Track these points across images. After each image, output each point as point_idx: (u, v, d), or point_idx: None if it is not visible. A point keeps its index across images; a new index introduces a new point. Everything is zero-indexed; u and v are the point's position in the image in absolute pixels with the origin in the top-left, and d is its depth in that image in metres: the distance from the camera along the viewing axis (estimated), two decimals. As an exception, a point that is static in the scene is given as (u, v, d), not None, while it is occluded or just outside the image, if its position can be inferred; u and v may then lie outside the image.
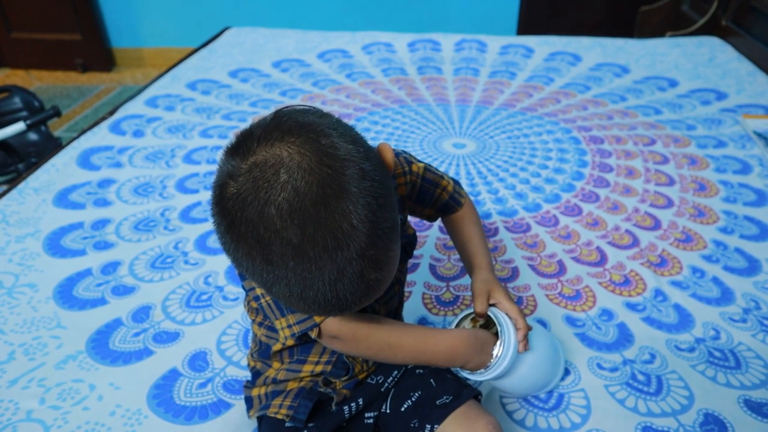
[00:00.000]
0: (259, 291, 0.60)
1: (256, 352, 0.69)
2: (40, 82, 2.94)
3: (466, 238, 0.74)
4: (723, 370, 0.80)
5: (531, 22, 2.75)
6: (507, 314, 0.68)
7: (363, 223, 0.44)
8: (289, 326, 0.59)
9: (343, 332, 0.59)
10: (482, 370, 0.66)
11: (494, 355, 0.65)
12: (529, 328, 0.68)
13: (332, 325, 0.58)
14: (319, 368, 0.65)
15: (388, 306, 0.67)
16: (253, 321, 0.69)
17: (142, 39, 3.04)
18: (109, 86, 2.88)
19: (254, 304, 0.64)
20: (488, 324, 0.70)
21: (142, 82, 2.89)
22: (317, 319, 0.58)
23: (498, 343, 0.66)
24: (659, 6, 2.53)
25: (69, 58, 2.99)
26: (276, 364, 0.67)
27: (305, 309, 0.49)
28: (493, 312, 0.68)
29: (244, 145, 0.47)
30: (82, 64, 3.00)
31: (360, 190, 0.45)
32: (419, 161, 0.70)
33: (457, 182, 0.75)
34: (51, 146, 1.65)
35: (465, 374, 0.68)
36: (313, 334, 0.59)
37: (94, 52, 2.99)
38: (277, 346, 0.65)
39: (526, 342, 0.68)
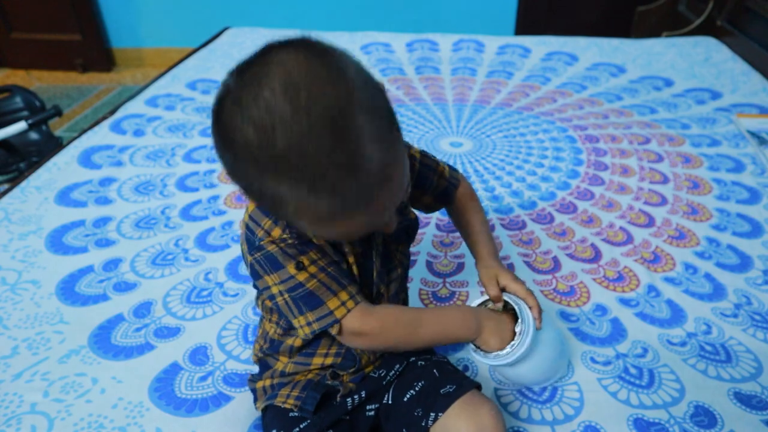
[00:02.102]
0: (275, 289, 0.59)
1: (266, 347, 0.70)
2: (40, 82, 2.96)
3: (469, 229, 0.76)
4: (714, 364, 0.81)
5: (529, 22, 2.76)
6: (516, 295, 0.70)
7: (360, 91, 0.45)
8: (309, 323, 0.59)
9: (368, 326, 0.60)
10: (507, 350, 0.67)
11: (517, 332, 0.67)
12: (539, 307, 0.70)
13: (354, 320, 0.59)
14: (329, 360, 0.67)
15: (390, 289, 0.68)
16: (266, 318, 0.69)
17: (142, 39, 3.05)
18: (108, 86, 2.90)
19: (269, 303, 0.65)
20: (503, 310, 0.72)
21: (141, 82, 2.90)
22: (338, 314, 0.58)
23: (518, 322, 0.68)
24: (656, 6, 2.55)
25: (69, 59, 3.00)
26: (284, 358, 0.68)
27: (320, 202, 0.46)
28: (505, 296, 0.71)
29: (237, 68, 0.49)
30: (82, 65, 3.01)
31: (353, 66, 0.47)
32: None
33: (451, 167, 0.76)
34: (52, 145, 1.67)
35: (490, 360, 0.68)
36: (334, 331, 0.59)
37: (94, 52, 3.00)
38: (293, 341, 0.66)
39: (540, 318, 0.70)
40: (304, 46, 0.47)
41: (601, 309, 0.91)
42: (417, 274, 0.99)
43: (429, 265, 1.01)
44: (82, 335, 0.86)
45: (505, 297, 0.71)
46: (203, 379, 0.79)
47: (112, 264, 1.01)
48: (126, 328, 0.88)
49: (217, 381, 0.79)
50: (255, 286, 0.65)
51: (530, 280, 0.97)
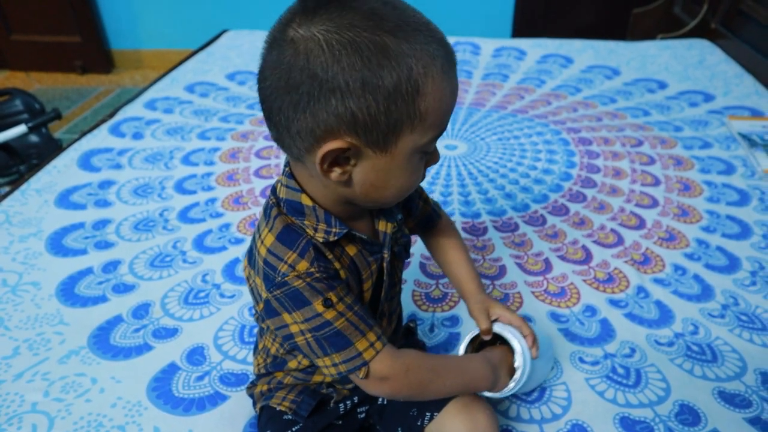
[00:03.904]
0: (295, 328, 0.56)
1: (269, 363, 0.69)
2: (40, 83, 2.98)
3: (454, 265, 0.77)
4: (700, 364, 0.83)
5: (526, 24, 2.78)
6: (511, 325, 0.71)
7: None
8: (335, 365, 0.56)
9: (395, 369, 0.58)
10: (511, 385, 0.68)
11: (516, 366, 0.69)
12: (534, 335, 0.71)
13: (383, 364, 0.57)
14: (328, 379, 0.67)
15: (391, 305, 0.69)
16: (267, 334, 0.68)
17: (141, 41, 3.07)
18: (108, 88, 2.92)
19: (275, 335, 0.62)
20: (493, 341, 0.73)
21: (140, 84, 2.92)
22: (366, 356, 0.56)
23: (515, 355, 0.69)
24: (652, 8, 2.57)
25: (68, 60, 3.02)
26: (286, 371, 0.69)
27: (437, 48, 0.50)
28: (497, 329, 0.71)
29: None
30: (81, 66, 3.03)
31: None
32: None
33: (433, 200, 0.77)
34: (52, 148, 1.68)
35: (491, 394, 0.69)
36: (361, 374, 0.56)
37: (93, 54, 3.02)
38: (297, 364, 0.66)
39: (536, 347, 0.71)
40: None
41: (591, 310, 0.93)
42: (410, 275, 1.01)
43: (422, 267, 1.03)
44: (81, 336, 0.88)
45: (498, 329, 0.71)
46: (200, 378, 0.81)
47: (111, 266, 1.03)
48: (125, 329, 0.89)
49: (213, 381, 0.80)
50: (255, 313, 0.63)
51: (521, 282, 0.99)
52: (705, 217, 1.16)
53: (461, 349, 0.74)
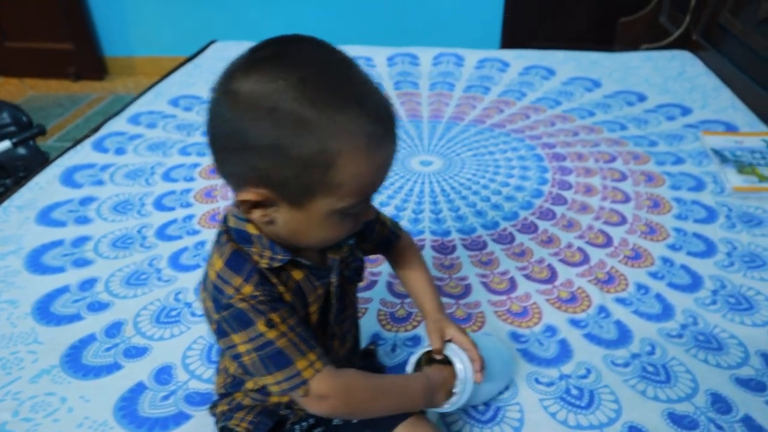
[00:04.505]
0: (242, 348, 0.58)
1: (228, 383, 0.71)
2: (33, 90, 3.00)
3: (413, 285, 0.79)
4: (653, 384, 0.85)
5: (515, 35, 2.80)
6: (462, 347, 0.74)
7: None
8: (277, 383, 0.59)
9: (335, 389, 0.60)
10: (446, 406, 0.72)
11: (455, 392, 0.72)
12: (481, 360, 0.74)
13: (323, 383, 0.59)
14: (285, 398, 0.69)
15: (342, 328, 0.71)
16: (227, 354, 0.69)
17: (134, 48, 3.10)
18: (101, 95, 2.94)
19: (228, 358, 0.66)
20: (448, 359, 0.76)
21: (133, 91, 2.95)
22: (306, 375, 0.58)
23: (457, 380, 0.72)
24: (638, 17, 2.59)
25: (62, 67, 3.05)
26: (244, 391, 0.71)
27: (367, 121, 0.52)
28: (447, 351, 0.74)
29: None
30: (74, 73, 3.06)
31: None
32: None
33: (392, 220, 0.80)
34: (39, 160, 1.71)
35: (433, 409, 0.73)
36: (301, 392, 0.59)
37: (87, 60, 3.05)
38: (254, 384, 0.68)
39: (482, 372, 0.73)
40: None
41: (551, 330, 0.96)
42: (377, 294, 1.03)
43: (389, 286, 1.05)
44: (54, 355, 0.90)
45: (448, 352, 0.74)
46: (166, 398, 0.83)
47: (88, 284, 1.05)
48: (97, 347, 0.92)
49: (179, 400, 0.83)
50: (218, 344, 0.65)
51: (485, 301, 1.01)
52: (672, 235, 1.18)
53: (410, 365, 0.77)
